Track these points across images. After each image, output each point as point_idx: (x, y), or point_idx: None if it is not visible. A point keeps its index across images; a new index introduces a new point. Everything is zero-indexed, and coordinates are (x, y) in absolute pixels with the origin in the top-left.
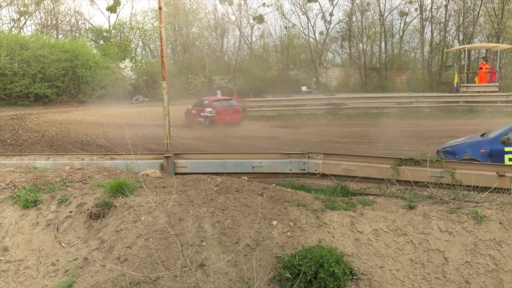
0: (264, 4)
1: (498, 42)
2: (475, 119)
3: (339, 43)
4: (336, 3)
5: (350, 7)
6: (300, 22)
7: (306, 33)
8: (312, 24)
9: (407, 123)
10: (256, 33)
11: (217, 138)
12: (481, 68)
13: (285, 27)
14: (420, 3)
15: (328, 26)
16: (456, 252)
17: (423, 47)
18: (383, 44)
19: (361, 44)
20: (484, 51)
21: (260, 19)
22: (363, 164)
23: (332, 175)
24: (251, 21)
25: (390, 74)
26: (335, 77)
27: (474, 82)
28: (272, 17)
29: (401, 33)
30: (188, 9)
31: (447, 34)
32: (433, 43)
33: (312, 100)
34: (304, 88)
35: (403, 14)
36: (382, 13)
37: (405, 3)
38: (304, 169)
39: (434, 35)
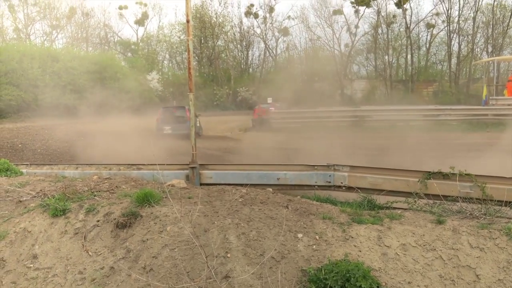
0: (289, 17)
1: None
2: (505, 132)
3: (365, 55)
4: (362, 15)
5: (376, 19)
6: (325, 35)
7: (331, 46)
8: (337, 37)
9: (434, 136)
10: (281, 45)
11: (242, 149)
12: (510, 81)
13: (310, 40)
14: (447, 15)
15: (353, 39)
16: (488, 269)
17: (450, 60)
18: (409, 56)
19: (386, 57)
20: None
21: (285, 32)
22: (390, 177)
23: (358, 188)
24: (276, 33)
25: (417, 86)
26: (360, 89)
27: (504, 95)
28: (297, 29)
29: (427, 45)
30: (215, 22)
31: (475, 46)
32: (461, 55)
33: (337, 112)
34: None
35: (429, 26)
36: (408, 25)
37: (432, 15)
38: (329, 182)
39: (461, 47)
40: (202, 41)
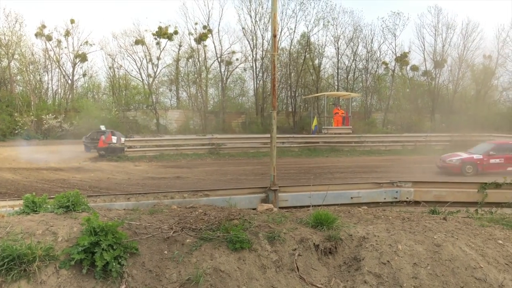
0: (86, 43)
1: (317, 92)
2: (340, 157)
3: (167, 86)
4: (164, 48)
5: (177, 52)
6: (128, 63)
7: (134, 75)
8: (139, 66)
9: (285, 161)
10: (80, 71)
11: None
12: (336, 113)
13: (110, 67)
14: (245, 55)
15: (155, 70)
16: None
17: (257, 94)
18: (212, 90)
19: (193, 88)
20: (337, 98)
21: (82, 57)
22: (453, 190)
23: (423, 201)
24: (74, 59)
25: (228, 117)
26: (174, 119)
27: (331, 125)
28: (99, 55)
29: (225, 80)
30: (3, 42)
31: (277, 83)
32: (266, 90)
33: (193, 140)
34: None
35: (228, 63)
36: (209, 59)
37: (228, 53)
38: (396, 197)
39: (266, 83)
40: None
